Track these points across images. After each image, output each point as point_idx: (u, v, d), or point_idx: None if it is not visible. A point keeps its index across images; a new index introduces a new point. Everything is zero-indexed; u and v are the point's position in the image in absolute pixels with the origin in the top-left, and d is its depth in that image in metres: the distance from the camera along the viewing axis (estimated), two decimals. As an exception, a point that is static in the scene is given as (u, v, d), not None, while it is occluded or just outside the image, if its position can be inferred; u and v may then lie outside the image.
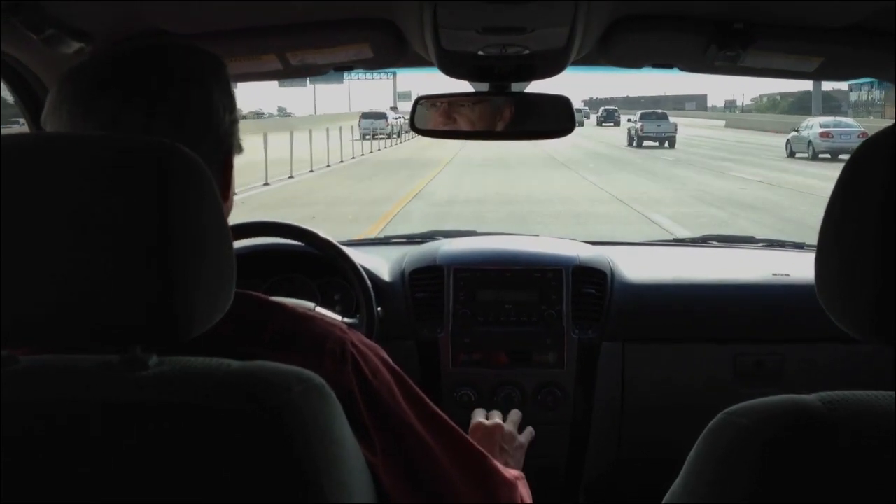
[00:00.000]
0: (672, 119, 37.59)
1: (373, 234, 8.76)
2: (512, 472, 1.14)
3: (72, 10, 1.28)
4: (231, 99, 0.97)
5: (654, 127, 36.64)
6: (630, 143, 37.41)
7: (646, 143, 36.16)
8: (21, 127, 1.79)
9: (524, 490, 1.16)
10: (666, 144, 35.60)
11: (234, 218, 1.07)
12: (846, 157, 0.74)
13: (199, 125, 0.92)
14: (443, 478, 0.98)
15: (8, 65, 1.52)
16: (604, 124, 63.64)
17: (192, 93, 0.92)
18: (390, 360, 1.00)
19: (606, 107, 75.02)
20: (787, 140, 29.13)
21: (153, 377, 0.74)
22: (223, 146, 0.96)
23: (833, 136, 26.13)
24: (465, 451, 1.03)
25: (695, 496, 0.72)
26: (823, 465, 0.66)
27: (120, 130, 0.87)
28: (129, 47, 0.95)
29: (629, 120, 43.28)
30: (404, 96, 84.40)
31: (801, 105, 75.23)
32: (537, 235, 2.61)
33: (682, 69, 1.76)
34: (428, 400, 1.01)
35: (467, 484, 1.01)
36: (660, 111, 40.96)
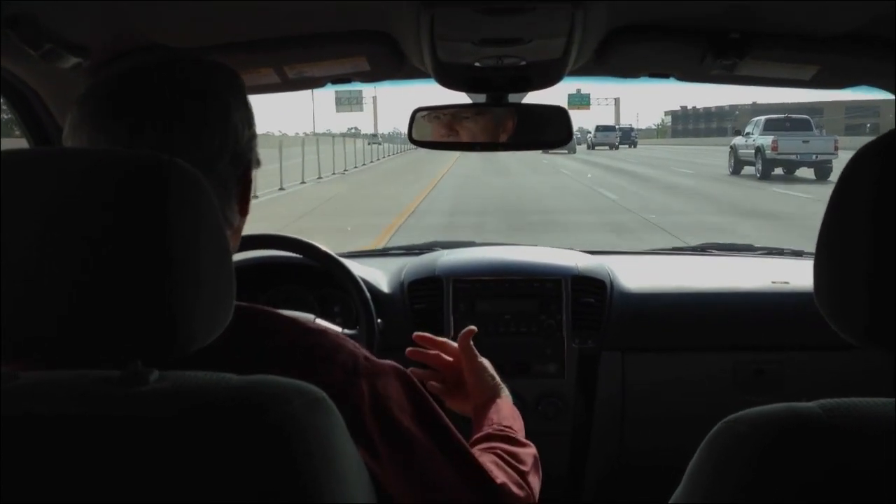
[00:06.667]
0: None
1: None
2: (522, 469, 1.13)
3: (69, 25, 1.28)
4: (249, 112, 0.97)
5: (799, 145, 20.94)
6: (736, 171, 23.60)
7: (776, 170, 21.73)
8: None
9: (534, 479, 1.15)
10: (801, 171, 21.31)
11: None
12: None
13: (216, 141, 0.91)
14: (451, 495, 0.97)
15: (6, 80, 1.52)
16: (620, 146, 61.81)
17: (209, 109, 0.92)
18: (407, 374, 0.99)
19: (622, 126, 71.18)
20: None
21: (153, 392, 0.73)
22: (242, 161, 0.95)
23: None
24: (476, 472, 1.02)
25: (691, 500, 0.72)
26: (821, 471, 0.66)
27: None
28: (143, 64, 0.94)
29: (737, 133, 27.42)
30: (348, 100, 60.28)
31: None
32: (536, 245, 2.61)
33: (678, 79, 1.77)
34: (442, 415, 1.01)
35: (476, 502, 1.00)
36: (797, 116, 23.49)
